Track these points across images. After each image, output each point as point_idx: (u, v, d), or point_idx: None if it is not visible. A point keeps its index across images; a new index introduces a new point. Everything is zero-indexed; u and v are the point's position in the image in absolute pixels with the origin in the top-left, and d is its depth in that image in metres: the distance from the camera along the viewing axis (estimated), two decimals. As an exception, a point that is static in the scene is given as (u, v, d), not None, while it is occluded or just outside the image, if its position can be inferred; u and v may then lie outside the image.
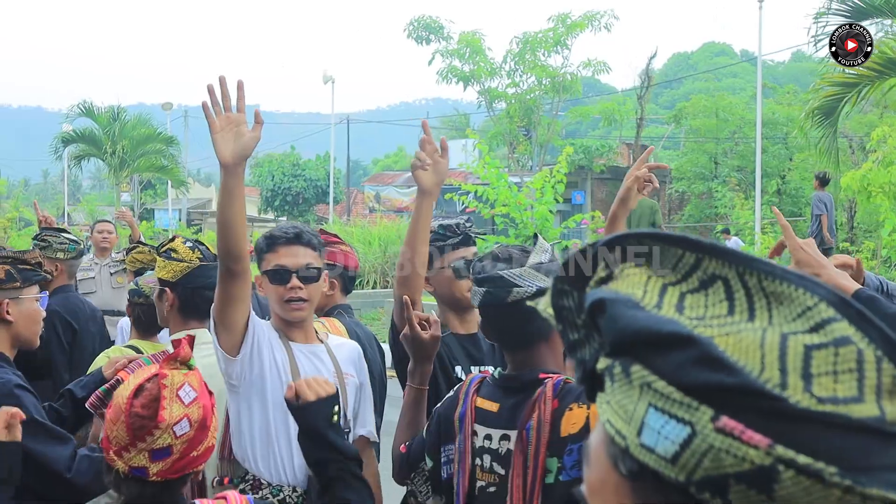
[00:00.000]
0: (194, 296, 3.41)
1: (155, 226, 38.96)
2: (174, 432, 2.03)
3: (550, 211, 13.51)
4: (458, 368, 3.28)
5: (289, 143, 51.19)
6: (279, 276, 3.09)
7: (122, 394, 2.10)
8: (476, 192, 14.17)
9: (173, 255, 3.43)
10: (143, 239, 9.79)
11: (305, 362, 3.09)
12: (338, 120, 39.51)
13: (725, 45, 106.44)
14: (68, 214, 55.04)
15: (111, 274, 8.60)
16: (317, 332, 3.27)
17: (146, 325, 4.13)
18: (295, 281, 3.08)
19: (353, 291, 14.22)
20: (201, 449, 2.11)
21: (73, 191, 75.61)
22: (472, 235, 3.47)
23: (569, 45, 29.38)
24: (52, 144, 29.47)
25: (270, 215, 43.76)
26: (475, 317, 3.26)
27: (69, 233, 5.49)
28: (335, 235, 4.37)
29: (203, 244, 3.55)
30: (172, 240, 3.55)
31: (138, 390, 2.08)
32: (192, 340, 2.22)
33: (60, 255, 5.12)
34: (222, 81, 2.81)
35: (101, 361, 3.71)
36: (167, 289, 3.45)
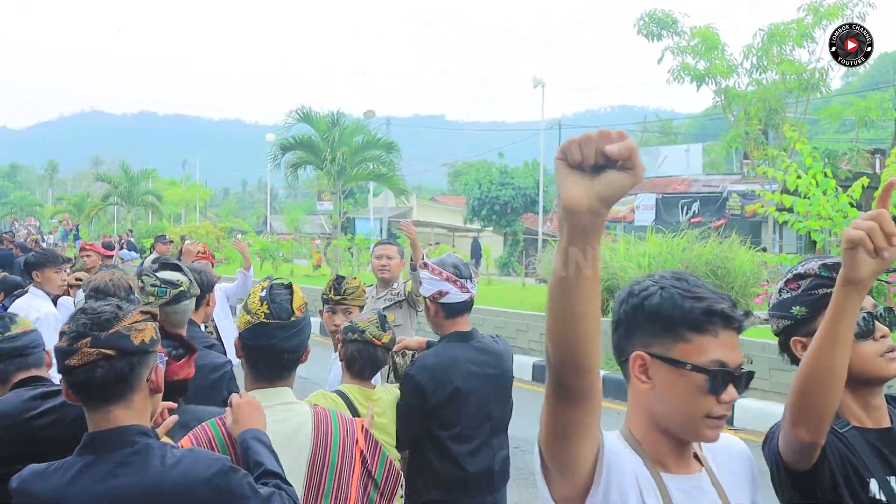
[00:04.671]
0: (256, 355, 2.96)
1: (354, 235, 38.20)
2: None
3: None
4: (873, 483, 2.27)
5: (496, 151, 50.08)
6: (720, 382, 1.98)
7: None
8: (782, 202, 11.80)
9: (247, 302, 3.03)
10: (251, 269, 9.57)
11: None
12: (533, 128, 37.63)
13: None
14: (270, 224, 55.68)
15: (382, 309, 6.78)
16: (695, 454, 2.14)
17: (359, 367, 3.94)
18: (733, 391, 1.99)
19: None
20: None
21: (270, 200, 77.01)
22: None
23: (816, 37, 26.46)
24: (270, 151, 28.72)
25: (477, 225, 42.47)
26: (883, 401, 2.43)
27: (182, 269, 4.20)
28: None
29: (291, 294, 3.02)
30: (263, 281, 3.12)
31: None
32: None
33: (152, 299, 3.99)
34: None
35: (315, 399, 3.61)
36: (237, 339, 3.04)
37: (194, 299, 4.18)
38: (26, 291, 7.44)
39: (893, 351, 2.40)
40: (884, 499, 2.27)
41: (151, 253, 13.76)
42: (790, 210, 11.73)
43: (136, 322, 2.48)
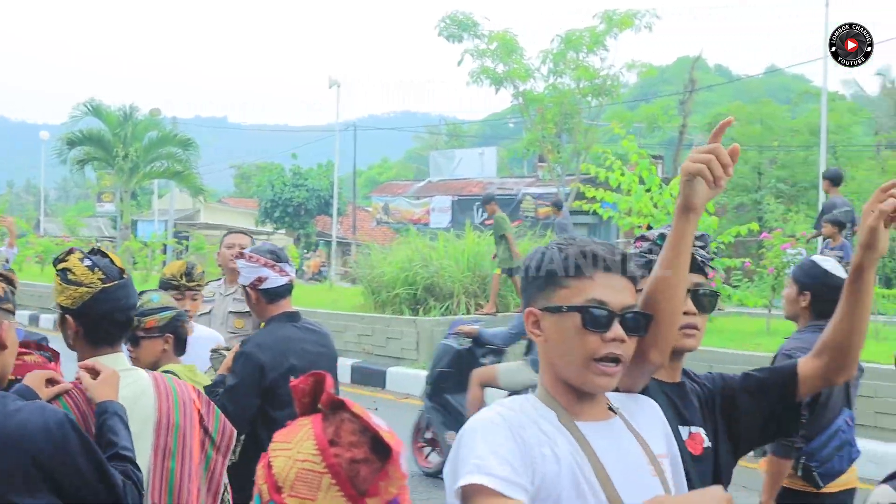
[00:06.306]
0: (101, 323, 2.89)
1: (137, 238, 36.44)
2: (399, 469, 1.42)
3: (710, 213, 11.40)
4: None
5: (282, 154, 49.20)
6: (597, 318, 2.04)
7: (305, 451, 1.39)
8: (603, 199, 11.92)
9: (70, 276, 2.89)
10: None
11: (608, 451, 2.04)
12: (320, 130, 37.24)
13: (701, 60, 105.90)
14: (43, 227, 52.41)
15: (230, 312, 6.15)
16: (610, 407, 2.18)
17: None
18: (618, 329, 2.04)
19: (445, 317, 11.97)
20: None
21: (43, 202, 72.64)
22: (700, 260, 2.63)
23: (607, 45, 27.43)
24: (55, 147, 26.71)
25: (269, 227, 41.48)
26: (681, 362, 2.64)
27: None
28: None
29: (106, 256, 2.97)
30: (69, 254, 2.96)
31: (325, 429, 1.42)
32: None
33: None
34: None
35: None
36: (68, 316, 2.92)
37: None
38: None
39: (692, 328, 2.59)
40: None
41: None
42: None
43: None
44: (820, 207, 19.12)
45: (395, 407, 11.68)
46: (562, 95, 27.06)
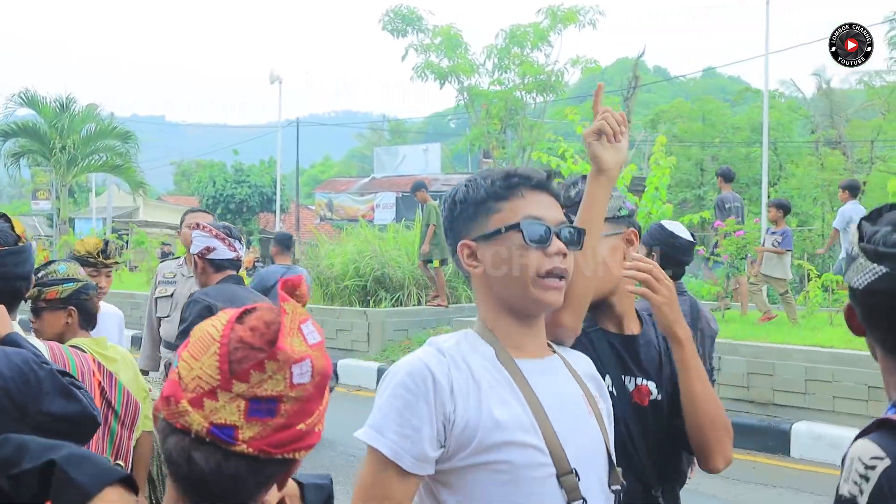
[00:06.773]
0: None
1: (76, 235, 35.68)
2: (290, 375, 1.35)
3: (667, 202, 11.43)
4: (607, 378, 2.46)
5: (222, 152, 48.60)
6: (537, 233, 2.03)
7: (216, 323, 1.44)
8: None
9: None
10: None
11: (546, 389, 2.04)
12: (280, 125, 36.85)
13: (641, 61, 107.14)
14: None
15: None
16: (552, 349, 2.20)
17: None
18: (558, 242, 2.04)
19: (396, 308, 11.85)
20: (309, 427, 1.40)
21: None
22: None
23: (552, 41, 27.42)
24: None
25: (210, 224, 40.98)
26: (618, 311, 2.58)
27: None
28: None
29: (9, 222, 2.81)
30: None
31: (244, 315, 1.43)
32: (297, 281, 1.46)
33: None
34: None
35: None
36: None
37: None
38: None
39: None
40: (615, 392, 2.45)
41: None
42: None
43: None
44: (763, 201, 19.46)
45: (347, 399, 11.49)
46: (506, 91, 26.98)
